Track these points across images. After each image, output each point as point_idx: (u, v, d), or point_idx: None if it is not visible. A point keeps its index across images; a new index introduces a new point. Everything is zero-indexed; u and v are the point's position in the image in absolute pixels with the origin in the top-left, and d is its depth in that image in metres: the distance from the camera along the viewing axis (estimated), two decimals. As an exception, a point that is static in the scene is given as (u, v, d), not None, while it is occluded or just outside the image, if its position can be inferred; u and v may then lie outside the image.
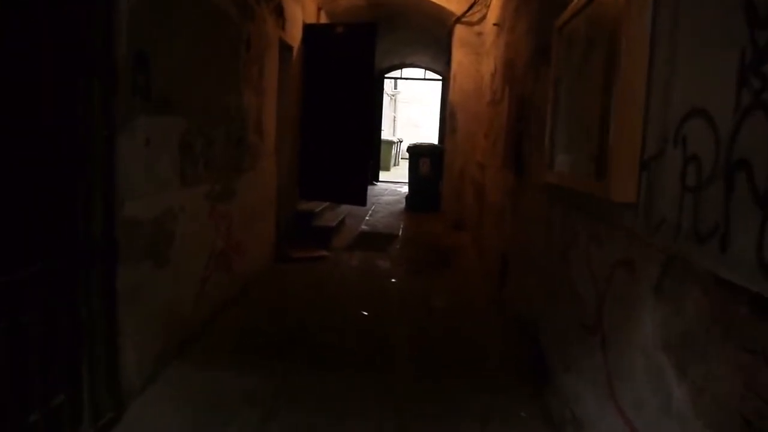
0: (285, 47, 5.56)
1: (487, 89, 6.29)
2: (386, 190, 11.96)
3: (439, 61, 11.46)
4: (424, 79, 13.72)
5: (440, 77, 13.04)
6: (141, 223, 2.69)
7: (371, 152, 13.53)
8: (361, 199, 6.28)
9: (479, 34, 6.91)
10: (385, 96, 19.80)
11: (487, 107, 6.27)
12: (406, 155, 9.51)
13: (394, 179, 14.59)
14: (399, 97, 25.30)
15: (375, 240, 6.73)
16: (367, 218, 8.16)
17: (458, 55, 7.09)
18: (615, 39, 1.88)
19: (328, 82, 6.23)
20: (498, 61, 5.55)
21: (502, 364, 3.26)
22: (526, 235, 3.60)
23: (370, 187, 12.43)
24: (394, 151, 18.70)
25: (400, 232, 7.28)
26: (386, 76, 13.46)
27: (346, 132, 6.19)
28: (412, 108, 25.89)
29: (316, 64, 6.23)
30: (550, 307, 2.83)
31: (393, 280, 5.10)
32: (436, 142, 13.06)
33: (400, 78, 14.20)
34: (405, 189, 12.13)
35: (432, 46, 10.38)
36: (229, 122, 3.79)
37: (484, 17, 6.82)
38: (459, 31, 7.09)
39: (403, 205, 9.59)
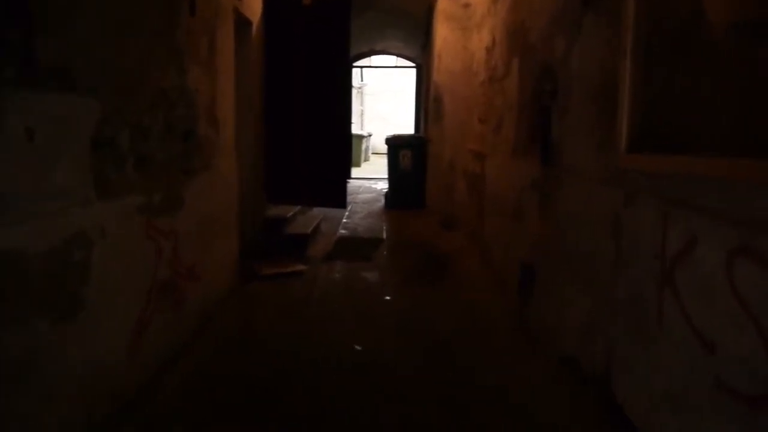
0: (243, 21, 4.60)
1: (481, 67, 5.45)
2: (360, 187, 11.06)
3: (414, 46, 10.60)
4: (396, 66, 12.82)
5: (414, 64, 12.18)
6: (27, 259, 1.75)
7: (349, 146, 12.62)
8: (340, 200, 5.38)
9: (466, 5, 6.07)
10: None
11: (481, 87, 5.44)
12: (378, 150, 8.67)
13: (367, 175, 13.70)
14: (366, 89, 24.36)
15: (357, 246, 5.83)
16: (345, 221, 7.26)
17: (443, 30, 6.23)
18: None
19: (296, 65, 5.28)
20: (497, 32, 4.72)
21: None
22: (567, 241, 2.77)
23: (342, 185, 11.55)
24: (363, 146, 17.79)
25: (385, 235, 6.40)
26: (354, 65, 12.52)
27: (320, 123, 5.27)
28: (379, 100, 24.99)
29: (281, 44, 5.28)
30: (637, 350, 1.99)
31: (386, 297, 4.22)
32: (412, 132, 12.23)
33: (370, 66, 13.24)
34: (381, 185, 11.26)
35: (405, 27, 9.50)
36: (169, 108, 2.84)
37: (470, -13, 5.99)
38: (442, 3, 6.22)
39: (381, 203, 8.71)
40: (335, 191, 5.33)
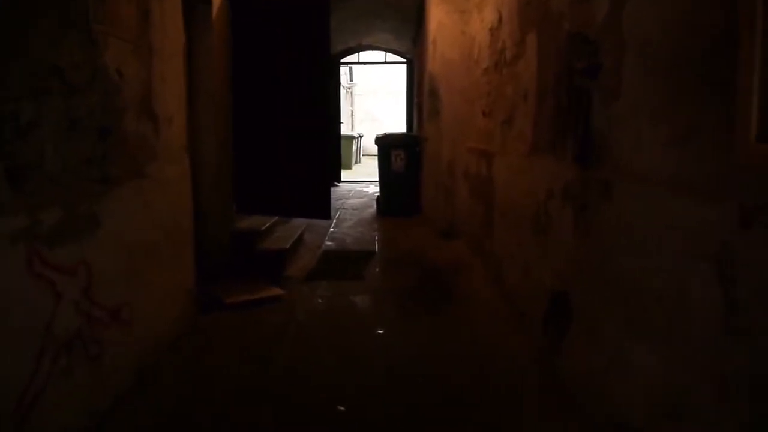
0: (198, -3, 3.83)
1: (484, 52, 4.69)
2: (351, 191, 10.28)
3: (404, 39, 9.84)
4: (386, 62, 12.05)
5: (404, 60, 11.42)
6: None
7: (334, 147, 11.78)
8: (323, 210, 4.59)
9: (464, -17, 5.32)
10: (340, 88, 18.09)
11: (484, 76, 4.68)
12: (369, 152, 7.88)
13: (358, 178, 12.93)
14: (355, 89, 23.60)
15: (345, 261, 5.06)
16: (331, 230, 6.47)
17: (437, 13, 5.47)
18: None
19: (271, 57, 4.49)
20: (504, 7, 3.96)
21: None
22: (622, 270, 2.01)
23: (332, 189, 10.72)
24: (354, 147, 17.00)
25: (377, 247, 5.62)
26: (341, 61, 11.74)
27: (300, 122, 4.48)
28: (369, 100, 24.22)
29: (253, 33, 4.49)
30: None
31: (379, 331, 3.44)
32: (404, 131, 11.49)
33: (358, 63, 12.47)
34: (372, 189, 10.49)
35: (394, 18, 8.74)
36: (70, 95, 2.05)
37: (468, -38, 5.24)
38: (436, -18, 5.46)
39: (373, 209, 7.93)
40: (317, 200, 4.55)
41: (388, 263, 4.99)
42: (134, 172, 2.58)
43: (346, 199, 9.16)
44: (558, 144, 2.76)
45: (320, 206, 4.55)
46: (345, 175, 12.73)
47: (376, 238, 6.04)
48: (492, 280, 4.17)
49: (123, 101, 2.46)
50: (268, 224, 4.87)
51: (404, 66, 11.61)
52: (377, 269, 4.81)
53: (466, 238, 5.43)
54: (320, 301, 4.00)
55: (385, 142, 7.23)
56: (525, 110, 3.40)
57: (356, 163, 17.83)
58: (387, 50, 11.36)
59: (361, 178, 12.79)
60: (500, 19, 4.10)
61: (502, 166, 3.99)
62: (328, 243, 5.78)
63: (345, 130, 18.61)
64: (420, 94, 7.81)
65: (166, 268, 3.02)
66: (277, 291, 4.04)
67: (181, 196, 3.29)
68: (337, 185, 11.42)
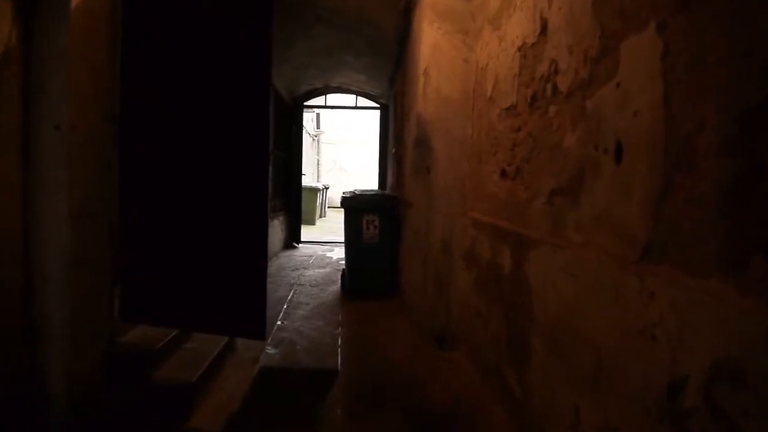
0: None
1: (507, 84, 3.16)
2: (312, 256, 8.54)
3: (379, 79, 8.42)
4: (356, 107, 10.61)
5: (377, 105, 10.00)
6: None
7: (292, 201, 10.05)
8: (253, 321, 2.85)
9: (470, -7, 3.86)
10: (305, 135, 16.64)
11: (505, 119, 3.14)
12: (335, 204, 6.23)
13: (322, 237, 11.25)
14: (322, 137, 22.19)
15: (291, 394, 3.30)
16: (279, 323, 4.72)
17: (432, 35, 3.97)
18: None
19: (184, 74, 2.87)
20: (554, 9, 2.45)
21: None
22: None
23: (288, 254, 8.94)
24: (319, 201, 15.37)
25: (340, 359, 3.89)
26: (306, 104, 10.24)
27: (225, 178, 2.83)
28: (338, 149, 22.81)
29: (156, 34, 2.87)
30: None
31: None
32: (376, 188, 9.96)
33: (324, 107, 11.01)
34: (337, 253, 8.82)
35: (368, 52, 7.31)
36: None
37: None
38: (430, -6, 3.99)
39: (337, 285, 6.21)
40: (246, 305, 2.82)
41: (357, 399, 3.24)
42: None
43: (305, 269, 7.42)
44: (739, 259, 1.17)
45: (250, 316, 2.82)
46: (307, 232, 11.04)
47: (340, 340, 4.31)
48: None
49: None
50: (168, 337, 3.10)
51: (377, 112, 10.19)
52: (339, 413, 3.05)
53: (469, 350, 3.76)
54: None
55: (353, 204, 5.56)
56: (617, 176, 1.82)
57: (320, 217, 16.20)
58: (359, 93, 9.94)
59: (325, 238, 11.13)
60: (544, 29, 2.59)
61: (553, 267, 2.38)
62: (270, 351, 4.01)
63: (310, 181, 17.02)
64: (400, 145, 6.26)
65: None
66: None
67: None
68: (296, 247, 9.70)
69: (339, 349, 4.08)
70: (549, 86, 2.53)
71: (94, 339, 2.68)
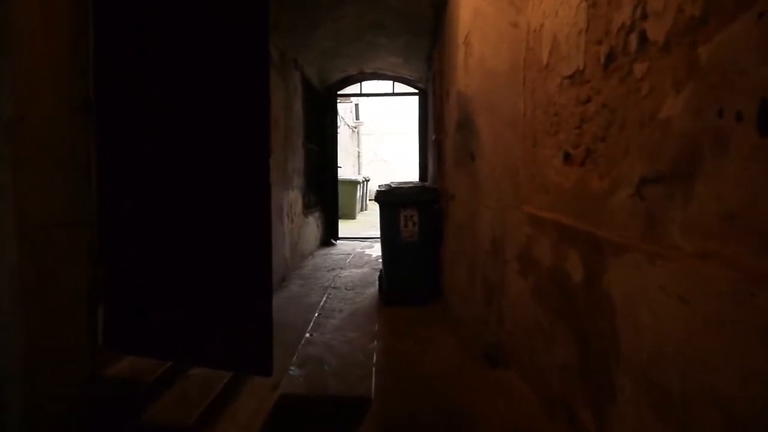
0: None
1: (569, 46, 2.50)
2: (350, 255, 8.02)
3: (416, 60, 7.78)
4: (393, 94, 9.99)
5: (415, 90, 9.36)
6: None
7: (329, 195, 9.46)
8: (258, 356, 2.31)
9: (518, -60, 3.18)
10: (344, 127, 16.14)
11: (569, 88, 2.48)
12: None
13: (361, 233, 10.72)
14: (362, 129, 21.68)
15: (312, 430, 2.76)
16: (308, 335, 4.21)
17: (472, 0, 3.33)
18: None
19: (167, 48, 2.35)
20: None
21: None
22: None
23: (325, 252, 8.44)
24: (359, 194, 14.86)
25: (374, 384, 3.32)
26: (339, 93, 9.70)
27: (222, 187, 2.30)
28: (378, 141, 22.25)
29: (137, 31, 2.37)
30: None
31: None
32: (417, 179, 9.35)
33: (359, 95, 10.44)
34: (376, 250, 8.27)
35: (403, 31, 6.68)
36: None
37: None
38: (469, -54, 3.33)
39: (375, 288, 5.65)
40: (248, 334, 2.29)
41: (393, 437, 2.67)
42: None
43: (341, 269, 6.89)
44: None
45: (253, 347, 2.29)
46: (346, 228, 10.56)
47: (375, 358, 3.75)
48: None
49: None
50: (160, 370, 2.61)
51: (416, 99, 9.56)
52: (370, 459, 2.49)
53: (526, 370, 3.12)
54: None
55: (389, 199, 4.97)
56: (764, 151, 1.17)
57: (361, 211, 15.71)
58: (395, 78, 9.32)
59: (366, 233, 10.60)
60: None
61: (649, 284, 1.73)
62: (293, 372, 3.48)
63: (350, 174, 16.54)
64: (440, 131, 5.62)
65: None
66: None
67: None
68: (333, 244, 9.21)
69: (373, 369, 3.52)
70: (633, 37, 1.86)
71: (63, 378, 2.21)
